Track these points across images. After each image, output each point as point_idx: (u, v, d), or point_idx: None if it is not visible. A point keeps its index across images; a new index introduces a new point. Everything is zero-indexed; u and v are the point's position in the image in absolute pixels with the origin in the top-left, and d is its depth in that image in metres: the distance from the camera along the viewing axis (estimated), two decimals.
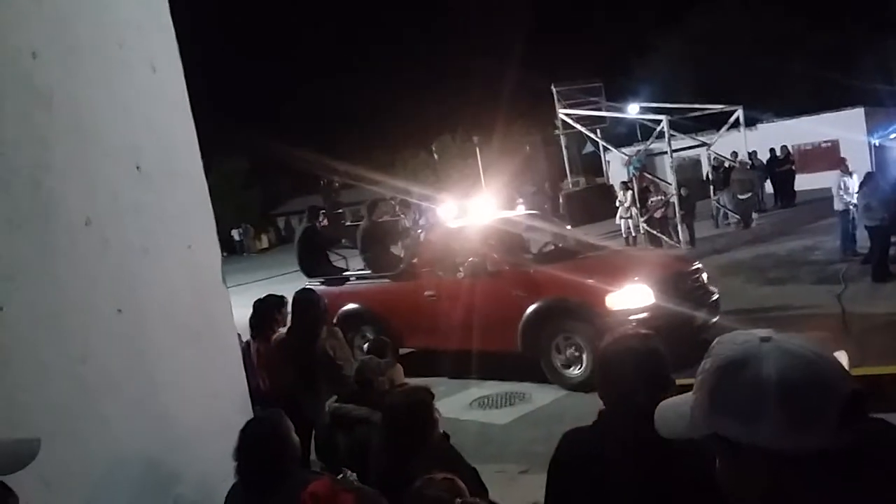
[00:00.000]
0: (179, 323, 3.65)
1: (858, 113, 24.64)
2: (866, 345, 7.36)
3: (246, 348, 5.96)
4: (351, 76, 65.03)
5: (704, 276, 8.58)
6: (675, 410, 1.30)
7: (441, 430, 3.21)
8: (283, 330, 5.70)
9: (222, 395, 3.81)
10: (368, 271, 9.95)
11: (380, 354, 5.52)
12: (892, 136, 17.93)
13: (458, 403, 7.82)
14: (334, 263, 10.42)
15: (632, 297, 7.45)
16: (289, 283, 7.14)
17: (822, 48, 34.94)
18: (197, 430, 3.62)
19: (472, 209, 11.42)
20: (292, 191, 54.94)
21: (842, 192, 12.37)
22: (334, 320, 9.29)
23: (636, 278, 7.63)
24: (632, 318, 7.11)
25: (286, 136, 50.39)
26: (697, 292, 8.15)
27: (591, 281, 7.64)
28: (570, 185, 26.34)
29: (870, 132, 22.25)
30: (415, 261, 9.26)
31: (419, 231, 10.22)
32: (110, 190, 3.42)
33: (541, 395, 7.75)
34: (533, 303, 7.86)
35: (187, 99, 3.94)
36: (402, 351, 9.32)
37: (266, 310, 5.93)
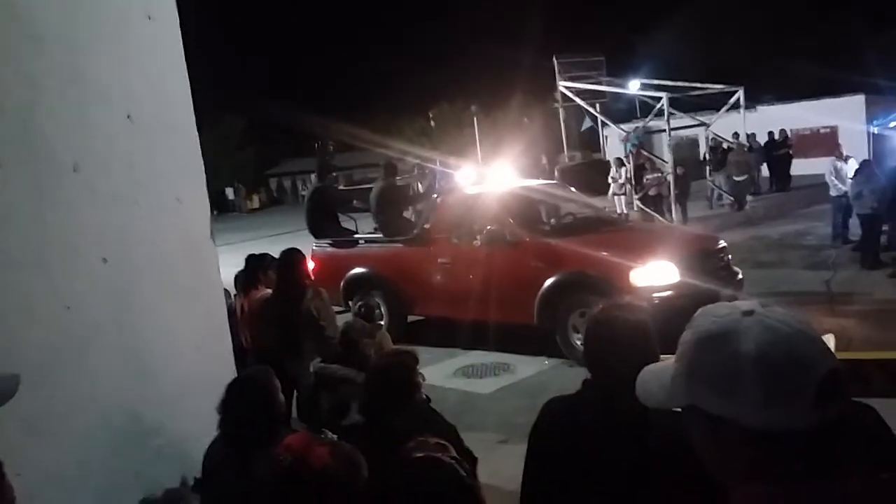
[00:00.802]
0: (166, 276, 3.63)
1: (859, 100, 24.52)
2: (852, 331, 7.41)
3: (231, 305, 5.96)
4: (352, 41, 64.31)
5: (729, 255, 8.34)
6: (657, 378, 1.28)
7: (423, 395, 3.22)
8: (269, 291, 5.66)
9: (206, 351, 3.81)
10: (379, 234, 9.62)
11: (368, 318, 5.54)
12: (892, 124, 17.85)
13: (442, 372, 7.83)
14: (343, 225, 10.16)
15: (656, 274, 7.23)
16: (277, 244, 7.07)
17: (826, 34, 34.83)
18: (179, 384, 3.62)
19: (490, 175, 10.98)
20: (287, 152, 54.61)
21: (834, 178, 12.36)
22: (342, 283, 9.17)
23: (661, 255, 7.40)
24: (656, 295, 6.95)
25: (284, 97, 50.11)
26: (722, 272, 7.93)
27: (614, 256, 7.41)
28: (567, 160, 26.22)
29: (869, 120, 22.20)
30: (428, 226, 8.99)
31: (435, 196, 9.88)
32: (100, 137, 3.39)
33: (525, 367, 7.77)
34: (553, 275, 7.60)
35: (182, 51, 3.89)
36: (411, 318, 9.22)
37: (257, 266, 5.92)
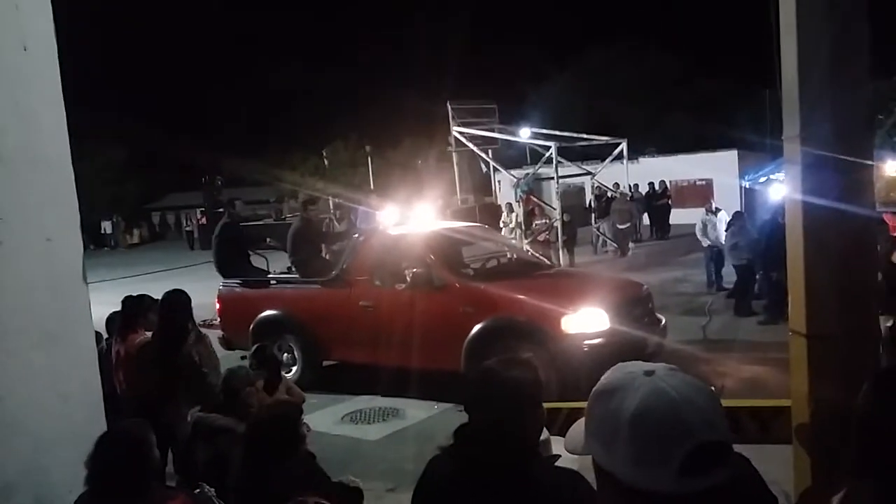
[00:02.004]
0: (31, 322, 3.39)
1: (732, 155, 26.21)
2: (726, 377, 7.71)
3: (105, 349, 5.64)
4: (244, 75, 63.26)
5: (653, 301, 8.40)
6: (579, 423, 1.30)
7: (307, 448, 3.12)
8: (149, 334, 5.38)
9: (73, 400, 3.56)
10: (295, 274, 9.18)
11: (267, 362, 5.36)
12: (761, 179, 19.05)
13: (329, 417, 7.65)
14: (254, 264, 9.61)
15: (588, 321, 7.14)
16: (156, 283, 6.75)
17: (704, 93, 37.14)
18: (43, 436, 3.38)
19: (414, 216, 10.59)
20: (172, 186, 52.88)
21: (701, 233, 13.02)
22: (251, 326, 8.70)
23: (592, 301, 7.36)
24: (587, 342, 6.93)
25: (169, 128, 48.64)
26: (648, 318, 8.00)
27: (545, 301, 7.27)
28: (460, 203, 26.56)
29: (741, 174, 23.59)
30: (347, 267, 8.54)
31: (356, 235, 9.46)
32: None
33: (414, 412, 7.68)
34: (482, 321, 7.40)
35: (59, 82, 3.69)
36: (326, 363, 8.84)
37: (137, 310, 5.60)
